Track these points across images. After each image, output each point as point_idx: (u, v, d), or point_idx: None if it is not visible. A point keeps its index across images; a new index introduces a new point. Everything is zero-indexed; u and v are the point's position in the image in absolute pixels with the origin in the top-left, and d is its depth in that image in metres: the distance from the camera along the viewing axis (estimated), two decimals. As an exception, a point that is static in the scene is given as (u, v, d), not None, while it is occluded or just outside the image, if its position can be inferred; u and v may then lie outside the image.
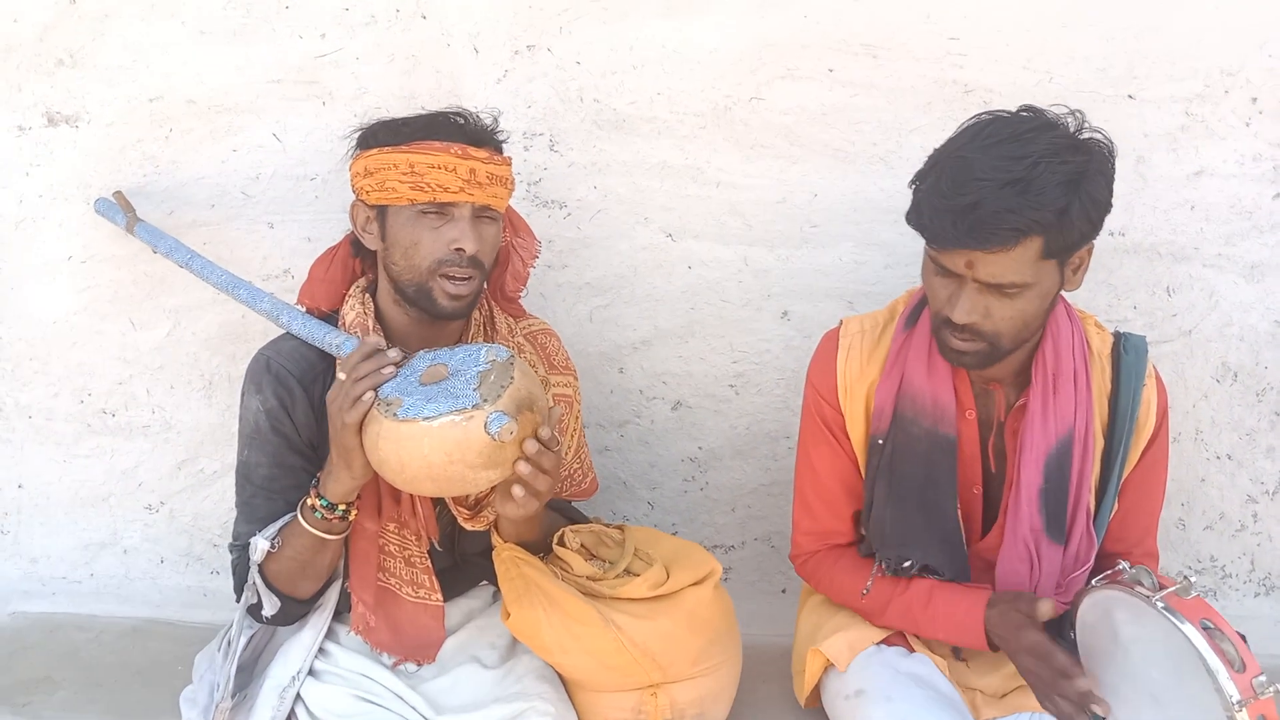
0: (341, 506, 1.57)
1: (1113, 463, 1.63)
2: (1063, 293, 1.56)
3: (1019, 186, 1.38)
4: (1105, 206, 1.46)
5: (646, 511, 2.30)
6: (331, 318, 1.72)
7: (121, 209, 2.08)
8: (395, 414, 1.42)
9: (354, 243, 1.73)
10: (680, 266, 2.16)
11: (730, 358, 2.19)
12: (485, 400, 1.41)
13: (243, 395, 1.69)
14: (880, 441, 1.66)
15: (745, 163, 2.10)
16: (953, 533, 1.65)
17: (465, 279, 1.60)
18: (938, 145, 2.02)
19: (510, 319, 1.82)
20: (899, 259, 2.11)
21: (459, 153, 1.56)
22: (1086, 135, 1.46)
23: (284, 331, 1.72)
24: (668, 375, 2.21)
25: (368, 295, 1.71)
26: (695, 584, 1.70)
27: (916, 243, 2.10)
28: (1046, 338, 1.60)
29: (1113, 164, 1.48)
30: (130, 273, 2.22)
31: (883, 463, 1.66)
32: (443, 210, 1.58)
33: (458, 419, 1.39)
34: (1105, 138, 1.48)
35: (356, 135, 1.67)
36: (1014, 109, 1.50)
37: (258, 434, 1.67)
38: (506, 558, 1.69)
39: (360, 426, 1.47)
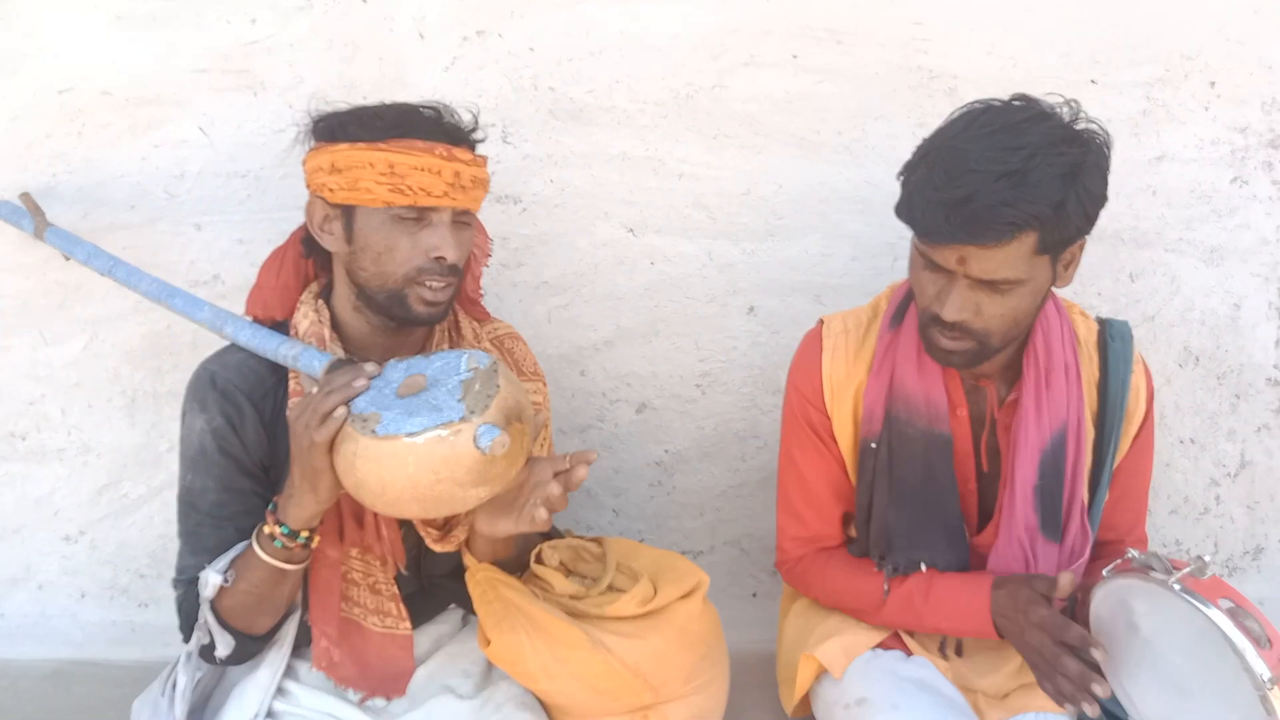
0: (304, 533, 1.43)
1: (1105, 452, 1.60)
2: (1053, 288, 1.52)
3: (1015, 179, 1.32)
4: (1101, 200, 1.41)
5: (611, 519, 2.20)
6: (281, 326, 1.58)
7: (29, 212, 1.88)
8: (373, 430, 1.29)
9: (305, 242, 1.59)
10: (642, 262, 2.06)
11: (696, 356, 2.11)
12: (472, 412, 1.29)
13: (184, 415, 1.54)
14: (874, 445, 1.60)
15: (708, 153, 2.02)
16: (957, 528, 1.60)
17: (443, 286, 1.49)
18: (905, 133, 1.99)
19: (475, 323, 1.70)
20: (866, 250, 2.06)
21: (443, 154, 1.44)
22: (1082, 126, 1.41)
23: (226, 343, 1.58)
24: (631, 376, 2.12)
25: (321, 301, 1.57)
26: (683, 597, 1.61)
27: (883, 234, 2.07)
28: (1036, 331, 1.56)
29: (1109, 156, 1.43)
30: (39, 282, 2.02)
31: (879, 466, 1.60)
32: (421, 215, 1.46)
33: (444, 433, 1.27)
34: (1100, 129, 1.43)
35: (312, 125, 1.52)
36: (1006, 98, 1.44)
37: (203, 456, 1.51)
38: (482, 579, 1.57)
39: (330, 445, 1.34)
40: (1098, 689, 1.33)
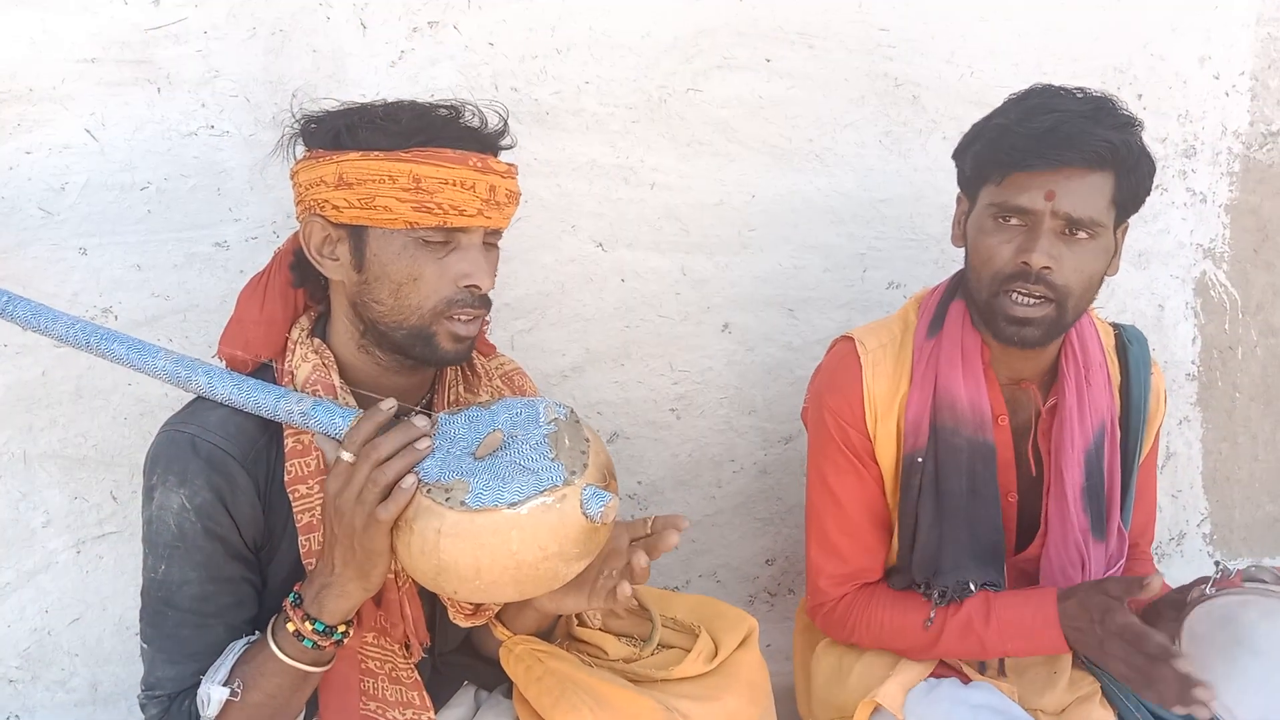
0: (340, 628, 1.18)
1: (1131, 452, 1.62)
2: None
3: (1094, 116, 1.39)
4: (1152, 176, 1.47)
5: (579, 561, 2.01)
6: (264, 368, 1.30)
7: None
8: (463, 502, 1.06)
9: (295, 268, 1.32)
10: (613, 279, 1.90)
11: (670, 379, 1.97)
12: (573, 473, 1.10)
13: (149, 492, 1.23)
14: (919, 459, 1.53)
15: (681, 161, 1.88)
16: (999, 545, 1.55)
17: (473, 319, 1.27)
18: (872, 141, 1.96)
19: (483, 358, 1.48)
20: (837, 262, 2.00)
21: (478, 165, 1.22)
22: None
23: (176, 397, 1.28)
24: (602, 404, 1.94)
25: (318, 339, 1.31)
26: (740, 647, 1.48)
27: (854, 244, 2.02)
28: (1071, 331, 1.56)
29: None
30: None
31: (925, 481, 1.53)
32: (449, 237, 1.23)
33: (548, 500, 1.07)
34: None
35: (302, 128, 1.26)
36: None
37: (182, 542, 1.22)
38: (523, 652, 1.36)
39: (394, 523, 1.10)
40: (1199, 693, 1.32)
